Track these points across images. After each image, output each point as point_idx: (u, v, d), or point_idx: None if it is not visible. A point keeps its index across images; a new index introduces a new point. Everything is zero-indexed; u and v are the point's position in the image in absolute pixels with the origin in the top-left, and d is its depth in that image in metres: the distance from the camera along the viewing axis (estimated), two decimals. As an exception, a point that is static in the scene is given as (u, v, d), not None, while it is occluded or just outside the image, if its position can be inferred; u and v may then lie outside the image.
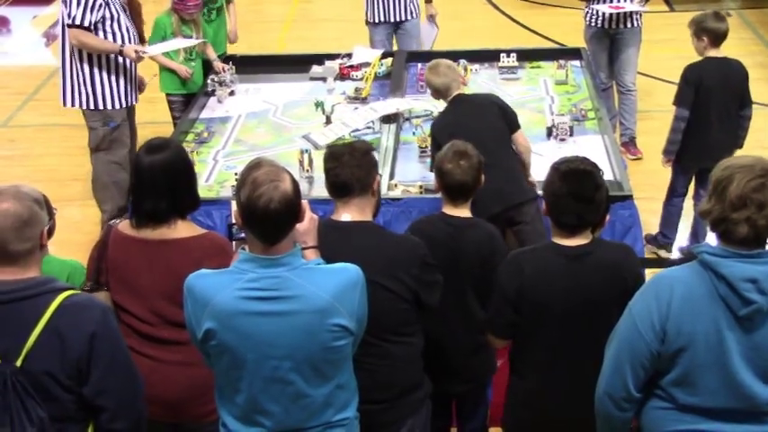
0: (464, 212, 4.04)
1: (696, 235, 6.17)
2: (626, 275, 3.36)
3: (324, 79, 6.93)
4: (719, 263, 2.78)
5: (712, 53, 5.87)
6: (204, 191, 5.41)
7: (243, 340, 2.93)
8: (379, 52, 7.12)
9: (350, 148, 3.55)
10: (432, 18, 7.95)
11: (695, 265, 2.85)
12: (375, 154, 3.68)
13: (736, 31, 10.10)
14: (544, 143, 5.83)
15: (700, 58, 5.94)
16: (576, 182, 3.38)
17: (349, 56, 7.13)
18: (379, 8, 7.61)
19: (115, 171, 6.39)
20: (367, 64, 6.97)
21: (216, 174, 5.73)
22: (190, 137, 6.20)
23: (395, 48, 7.80)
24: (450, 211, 4.04)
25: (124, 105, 6.33)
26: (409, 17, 7.65)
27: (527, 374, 3.54)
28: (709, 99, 5.83)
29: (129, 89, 6.34)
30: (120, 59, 6.22)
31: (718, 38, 5.84)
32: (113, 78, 6.23)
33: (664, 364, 2.89)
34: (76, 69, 6.20)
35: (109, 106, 6.25)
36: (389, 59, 7.11)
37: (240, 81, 6.95)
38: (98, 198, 6.47)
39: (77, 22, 5.99)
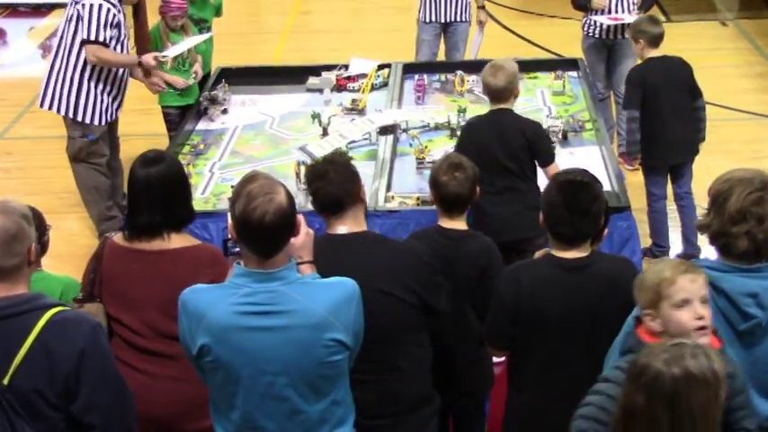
0: (460, 225, 4.03)
1: (687, 239, 6.17)
2: (625, 288, 3.33)
3: (321, 91, 6.92)
4: (719, 277, 2.76)
5: (652, 53, 6.02)
6: (200, 203, 5.41)
7: (238, 355, 2.91)
8: (376, 64, 7.10)
9: (332, 164, 3.52)
10: (481, 24, 7.98)
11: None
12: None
13: (732, 41, 10.14)
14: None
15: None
16: (573, 193, 3.37)
17: (346, 67, 7.13)
18: (430, 7, 7.64)
19: (95, 175, 6.41)
20: (364, 75, 6.97)
21: (212, 186, 5.71)
22: (186, 149, 6.19)
23: (441, 50, 7.87)
24: (445, 223, 4.02)
25: (105, 123, 6.33)
26: (459, 19, 7.69)
27: (524, 388, 3.52)
28: (658, 96, 5.95)
29: (112, 105, 6.35)
30: (120, 73, 6.24)
31: (654, 39, 6.01)
32: (99, 93, 6.23)
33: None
34: (64, 76, 6.19)
35: (88, 120, 6.25)
36: (386, 71, 7.10)
37: (237, 92, 6.94)
38: (84, 202, 6.51)
39: (93, 37, 6.00)
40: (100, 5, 5.99)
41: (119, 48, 6.19)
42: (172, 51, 6.49)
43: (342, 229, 3.49)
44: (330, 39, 10.71)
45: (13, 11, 12.12)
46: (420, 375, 3.59)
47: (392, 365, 3.49)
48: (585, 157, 5.73)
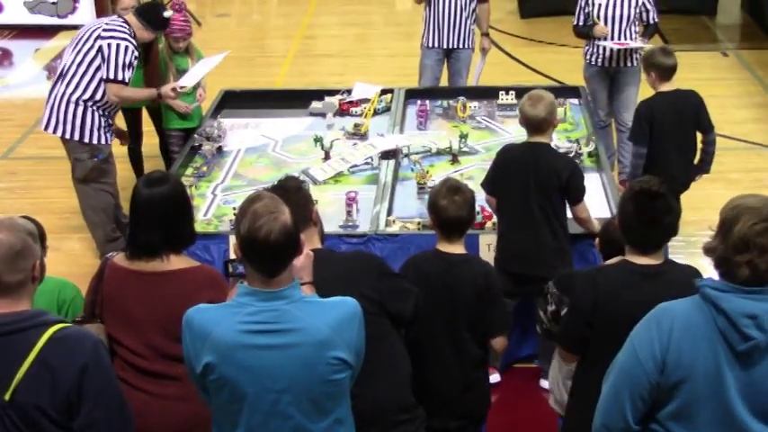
0: (459, 249, 4.04)
1: None
2: None
3: (323, 115, 6.96)
4: (720, 297, 2.78)
5: (664, 87, 5.98)
6: (202, 225, 5.44)
7: (243, 373, 2.92)
8: (379, 89, 7.15)
9: (283, 190, 3.47)
10: (484, 51, 8.02)
11: (697, 299, 2.86)
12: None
13: (732, 71, 10.19)
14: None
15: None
16: (644, 203, 3.40)
17: (349, 92, 7.17)
18: (434, 32, 7.67)
19: (104, 196, 6.43)
20: (367, 100, 7.01)
21: (214, 208, 5.74)
22: (189, 171, 6.22)
23: (444, 76, 7.90)
24: (444, 247, 4.04)
25: (110, 141, 6.35)
26: (462, 46, 7.71)
27: (592, 394, 3.54)
28: (664, 132, 5.94)
29: (110, 124, 6.37)
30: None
31: (665, 72, 5.95)
32: (104, 114, 6.25)
33: (662, 395, 2.88)
34: (68, 100, 6.21)
35: (95, 141, 6.26)
36: (389, 96, 7.14)
37: (240, 116, 6.98)
38: (90, 224, 6.50)
39: (120, 78, 6.07)
40: (126, 47, 6.05)
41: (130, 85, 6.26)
42: (189, 81, 6.50)
43: None
44: (334, 63, 10.78)
45: (19, 32, 12.20)
46: (394, 385, 3.58)
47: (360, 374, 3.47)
48: (586, 183, 5.74)
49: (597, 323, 3.47)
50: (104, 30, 6.13)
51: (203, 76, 6.67)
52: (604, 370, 3.44)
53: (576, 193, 5.00)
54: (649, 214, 3.39)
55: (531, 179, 4.94)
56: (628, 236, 3.47)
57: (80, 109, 6.19)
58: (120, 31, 6.11)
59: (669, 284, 3.39)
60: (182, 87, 6.40)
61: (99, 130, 6.25)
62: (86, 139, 6.24)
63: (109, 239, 6.47)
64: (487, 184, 5.13)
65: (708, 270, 2.97)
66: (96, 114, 6.21)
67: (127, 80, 6.12)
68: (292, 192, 3.52)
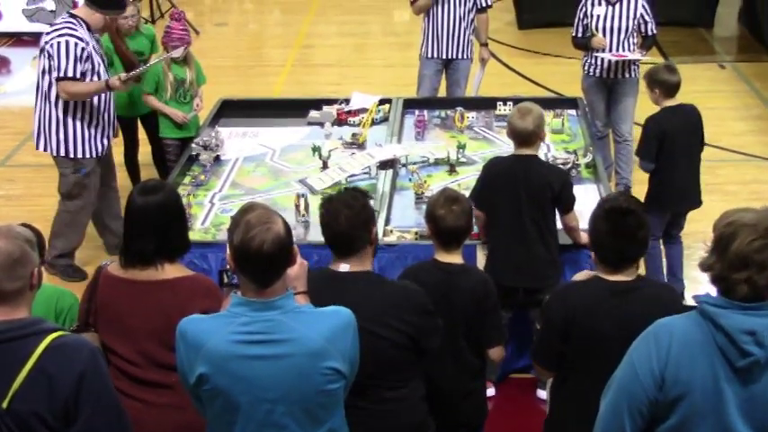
0: (456, 259, 4.04)
1: (673, 273, 6.23)
2: (669, 314, 3.35)
3: (321, 124, 6.97)
4: (718, 313, 2.77)
5: (667, 103, 5.97)
6: (200, 234, 5.44)
7: (236, 384, 2.92)
8: (377, 99, 7.16)
9: (348, 208, 3.48)
10: (482, 62, 8.04)
11: (695, 315, 2.85)
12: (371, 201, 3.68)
13: (730, 83, 10.21)
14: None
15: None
16: (618, 220, 3.43)
17: (347, 101, 7.18)
18: (433, 43, 7.69)
19: (80, 216, 6.45)
20: (364, 110, 7.02)
21: (212, 216, 5.74)
22: (187, 179, 6.22)
23: (442, 86, 7.92)
24: (442, 257, 4.04)
25: (95, 155, 6.33)
26: (461, 56, 7.73)
27: (566, 408, 3.57)
28: (674, 147, 5.94)
29: (102, 137, 6.35)
30: (96, 103, 6.23)
31: (670, 89, 5.94)
32: (86, 127, 6.24)
33: (661, 411, 2.87)
34: (49, 116, 6.21)
35: (80, 155, 6.27)
36: (387, 105, 7.15)
37: (238, 125, 6.98)
38: (55, 233, 6.48)
39: (69, 74, 6.00)
40: (67, 42, 5.99)
41: (95, 78, 6.16)
42: (135, 72, 6.31)
43: (344, 267, 3.51)
44: (332, 73, 10.79)
45: (17, 40, 12.21)
46: (412, 406, 3.61)
47: (381, 398, 3.51)
48: (583, 194, 5.76)
49: (571, 337, 3.48)
50: (47, 33, 6.12)
51: (147, 68, 6.50)
52: (578, 386, 3.48)
53: (568, 203, 5.03)
54: (622, 231, 3.42)
55: (523, 192, 4.93)
56: (601, 254, 3.49)
57: (60, 124, 6.19)
58: (60, 29, 6.07)
59: (641, 300, 3.41)
60: (126, 77, 6.16)
61: (84, 143, 6.24)
62: (71, 155, 6.25)
63: (67, 253, 6.51)
64: (475, 199, 4.98)
65: (703, 282, 2.97)
66: (78, 125, 6.19)
67: (77, 75, 6.03)
68: (355, 210, 3.49)
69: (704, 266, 2.86)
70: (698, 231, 5.99)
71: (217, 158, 6.47)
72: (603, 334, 3.41)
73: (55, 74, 6.04)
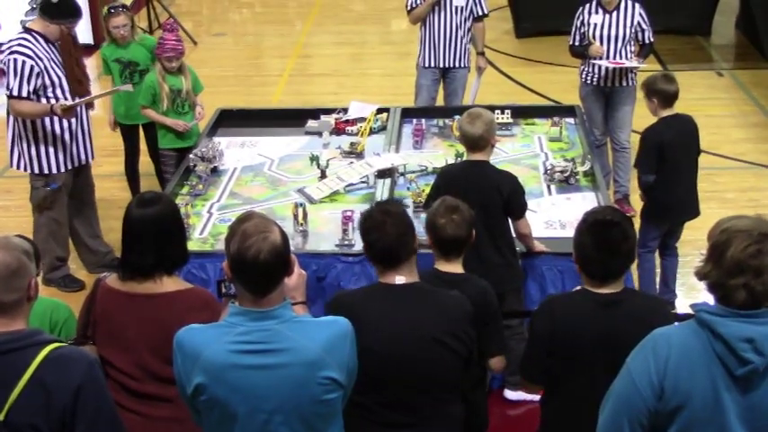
0: (457, 268, 4.04)
1: (666, 284, 6.23)
2: (656, 326, 3.34)
3: (319, 134, 6.97)
4: (717, 322, 2.77)
5: (665, 113, 5.95)
6: (198, 244, 5.43)
7: (234, 394, 2.91)
8: (375, 108, 7.16)
9: (389, 216, 3.50)
10: (480, 71, 8.05)
11: (693, 324, 2.85)
12: (365, 207, 3.69)
13: (727, 91, 10.23)
14: (537, 199, 5.86)
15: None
16: (602, 233, 3.41)
17: (345, 111, 7.18)
18: (430, 52, 7.70)
19: (55, 227, 6.43)
20: (362, 119, 7.02)
21: (210, 226, 5.73)
22: (185, 189, 6.21)
23: (440, 95, 7.92)
24: (442, 266, 4.03)
25: (65, 169, 6.31)
26: (458, 65, 7.75)
27: (557, 421, 3.56)
28: (675, 157, 5.92)
29: (75, 151, 6.32)
30: (66, 122, 6.18)
31: (668, 99, 5.92)
32: (56, 143, 6.21)
33: (661, 421, 2.87)
34: (19, 134, 6.20)
35: (53, 170, 6.25)
36: (385, 115, 7.15)
37: (236, 134, 6.98)
38: (41, 251, 6.46)
39: (15, 93, 5.96)
40: (15, 60, 5.94)
41: (57, 91, 6.08)
42: (81, 100, 6.20)
43: (399, 279, 3.51)
44: (330, 82, 10.81)
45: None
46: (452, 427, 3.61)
47: (427, 417, 3.50)
48: (582, 202, 5.77)
49: (556, 351, 3.47)
50: (0, 52, 6.10)
51: (91, 99, 6.40)
52: (565, 399, 3.46)
53: (518, 209, 5.02)
54: (607, 244, 3.40)
55: (473, 196, 4.92)
56: (586, 268, 3.47)
57: (26, 141, 6.17)
58: (11, 46, 6.04)
59: (627, 313, 3.40)
60: (67, 104, 6.00)
61: (55, 157, 6.22)
62: (45, 170, 6.25)
63: (53, 267, 6.50)
64: (428, 205, 4.93)
65: (700, 290, 2.97)
66: (50, 140, 6.16)
67: (22, 94, 5.96)
68: (398, 218, 3.51)
69: (700, 275, 2.86)
70: (697, 239, 5.97)
71: (214, 169, 6.44)
72: (591, 346, 3.39)
73: (5, 92, 6.02)
